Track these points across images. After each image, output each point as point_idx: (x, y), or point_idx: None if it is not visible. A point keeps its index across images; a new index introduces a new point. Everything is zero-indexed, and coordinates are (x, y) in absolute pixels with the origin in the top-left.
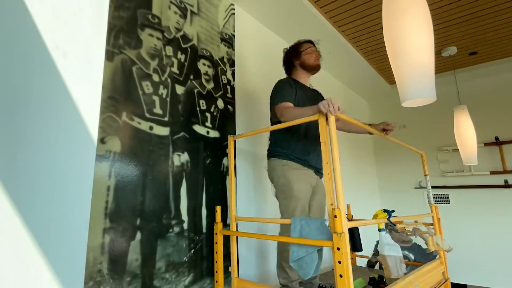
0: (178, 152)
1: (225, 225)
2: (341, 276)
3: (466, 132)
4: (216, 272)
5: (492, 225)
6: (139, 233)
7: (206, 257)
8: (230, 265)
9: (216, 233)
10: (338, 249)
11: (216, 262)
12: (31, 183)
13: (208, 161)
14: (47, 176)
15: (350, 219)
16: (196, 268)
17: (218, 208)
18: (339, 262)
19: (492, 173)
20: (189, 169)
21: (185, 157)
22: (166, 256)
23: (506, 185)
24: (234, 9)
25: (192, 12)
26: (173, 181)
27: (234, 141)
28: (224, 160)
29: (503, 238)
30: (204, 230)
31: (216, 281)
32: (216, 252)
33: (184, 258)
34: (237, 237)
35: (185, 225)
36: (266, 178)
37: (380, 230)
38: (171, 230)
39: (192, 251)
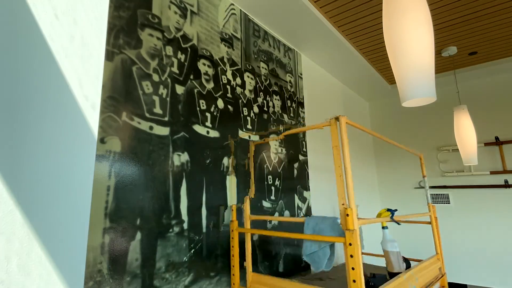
0: (178, 152)
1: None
2: (353, 268)
3: (466, 132)
4: (233, 266)
5: (492, 225)
6: (139, 233)
7: (206, 257)
8: (245, 261)
9: (232, 230)
10: (350, 244)
11: (233, 256)
12: (30, 183)
13: (208, 161)
14: (47, 176)
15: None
16: (196, 268)
17: (234, 207)
18: (351, 256)
19: (492, 173)
20: (189, 169)
21: (185, 157)
22: (166, 256)
23: (506, 185)
24: (234, 9)
25: (192, 12)
26: (173, 181)
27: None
28: (224, 160)
29: (503, 238)
30: (204, 230)
31: (233, 274)
32: (233, 247)
33: (184, 258)
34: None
35: (185, 225)
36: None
37: (383, 228)
38: (171, 230)
39: (192, 251)
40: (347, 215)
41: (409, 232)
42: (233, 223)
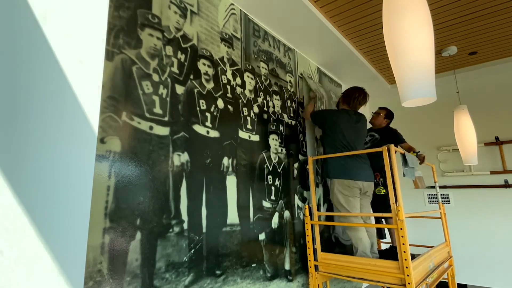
0: (178, 152)
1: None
2: (403, 244)
3: (466, 132)
4: (309, 248)
5: (492, 225)
6: (139, 233)
7: (206, 257)
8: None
9: (306, 223)
10: (401, 229)
11: (308, 242)
12: (30, 183)
13: (208, 161)
14: (47, 176)
15: None
16: (196, 268)
17: (307, 206)
18: (402, 236)
19: (492, 173)
20: (189, 169)
21: (185, 157)
22: (166, 256)
23: (506, 185)
24: (234, 9)
25: (192, 11)
26: (173, 181)
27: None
28: (224, 160)
29: (503, 238)
30: (204, 230)
31: (309, 254)
32: (308, 235)
33: (184, 258)
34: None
35: (185, 225)
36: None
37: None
38: (171, 230)
39: (192, 251)
40: (399, 210)
41: (421, 225)
42: (307, 218)
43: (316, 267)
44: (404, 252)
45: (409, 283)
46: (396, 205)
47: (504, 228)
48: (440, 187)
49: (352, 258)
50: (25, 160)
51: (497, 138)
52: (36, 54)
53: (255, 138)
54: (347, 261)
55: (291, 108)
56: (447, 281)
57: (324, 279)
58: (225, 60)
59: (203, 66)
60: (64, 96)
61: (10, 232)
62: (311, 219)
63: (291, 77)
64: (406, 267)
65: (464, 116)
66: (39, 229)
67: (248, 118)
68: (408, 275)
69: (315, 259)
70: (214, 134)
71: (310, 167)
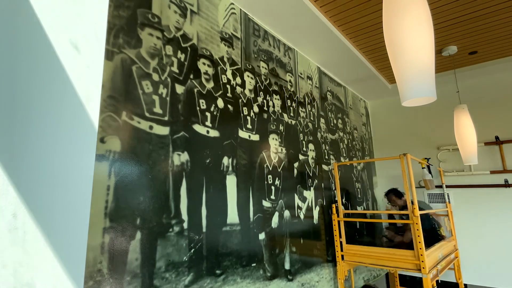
0: (178, 151)
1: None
2: (418, 236)
3: (466, 131)
4: (336, 241)
5: (492, 224)
6: (139, 232)
7: (206, 257)
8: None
9: (334, 219)
10: (417, 223)
11: (335, 235)
12: (29, 182)
13: (208, 161)
14: (46, 176)
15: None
16: (196, 267)
17: (334, 205)
18: (417, 230)
19: (492, 172)
20: (189, 169)
21: (185, 156)
22: (166, 255)
23: (506, 185)
24: (234, 8)
25: (192, 11)
26: (173, 180)
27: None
28: (224, 160)
29: (503, 237)
30: (204, 230)
31: (337, 246)
32: (335, 230)
33: (184, 258)
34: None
35: (185, 225)
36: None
37: (423, 168)
38: (171, 230)
39: (192, 251)
40: (414, 208)
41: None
42: (334, 215)
43: (342, 257)
44: (419, 242)
45: (423, 268)
46: (412, 204)
47: (504, 227)
48: (440, 186)
49: (373, 248)
50: (25, 160)
51: (497, 137)
52: (36, 53)
53: (255, 137)
54: (369, 251)
55: (291, 108)
56: (453, 271)
57: (349, 267)
58: (225, 59)
59: (203, 65)
60: (64, 95)
61: (10, 232)
62: (337, 216)
63: (291, 76)
64: (421, 255)
65: (464, 116)
66: (38, 229)
67: (248, 117)
68: (422, 261)
69: (341, 249)
70: (214, 133)
71: (336, 171)
